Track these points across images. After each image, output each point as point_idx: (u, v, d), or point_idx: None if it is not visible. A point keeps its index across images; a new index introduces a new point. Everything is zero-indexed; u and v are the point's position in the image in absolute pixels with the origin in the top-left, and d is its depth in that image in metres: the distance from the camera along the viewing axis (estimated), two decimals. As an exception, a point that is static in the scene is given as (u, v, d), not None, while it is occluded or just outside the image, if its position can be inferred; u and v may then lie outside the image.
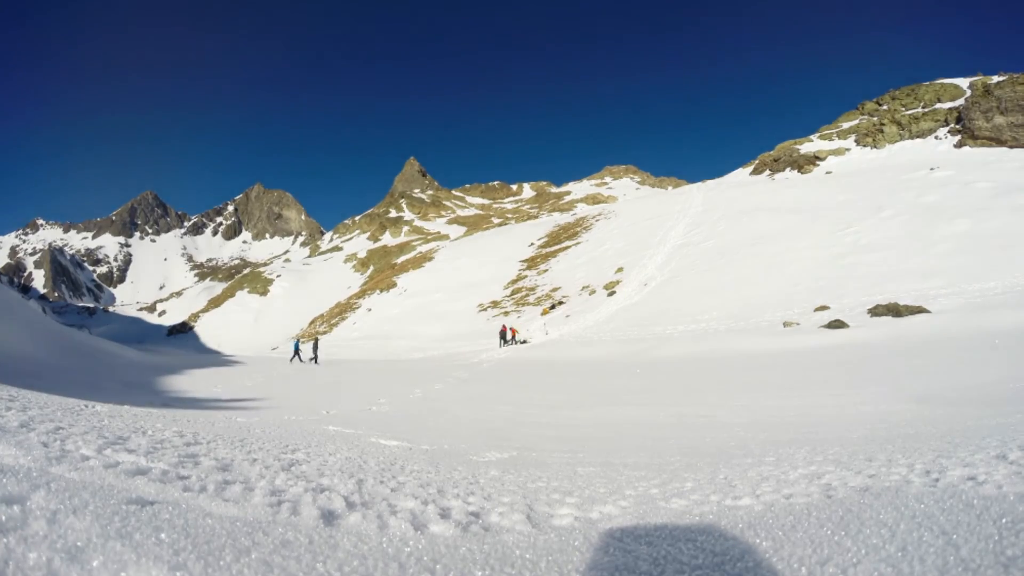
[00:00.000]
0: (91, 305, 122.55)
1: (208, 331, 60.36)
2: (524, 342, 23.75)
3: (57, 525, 1.39)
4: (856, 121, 58.33)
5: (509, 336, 23.93)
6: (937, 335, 11.36)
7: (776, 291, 20.08)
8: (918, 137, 49.16)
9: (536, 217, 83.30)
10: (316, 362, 23.24)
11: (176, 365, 18.61)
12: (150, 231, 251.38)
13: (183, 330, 63.57)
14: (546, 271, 37.77)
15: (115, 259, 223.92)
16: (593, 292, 29.43)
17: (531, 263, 41.45)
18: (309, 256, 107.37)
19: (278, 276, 73.84)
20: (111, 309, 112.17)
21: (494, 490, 2.66)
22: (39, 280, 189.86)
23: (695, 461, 3.51)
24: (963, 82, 52.97)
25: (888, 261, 19.93)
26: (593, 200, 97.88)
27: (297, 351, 24.39)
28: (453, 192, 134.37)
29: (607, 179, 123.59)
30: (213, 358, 27.96)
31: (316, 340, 25.75)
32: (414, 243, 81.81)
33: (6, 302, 13.74)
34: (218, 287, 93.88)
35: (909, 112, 52.71)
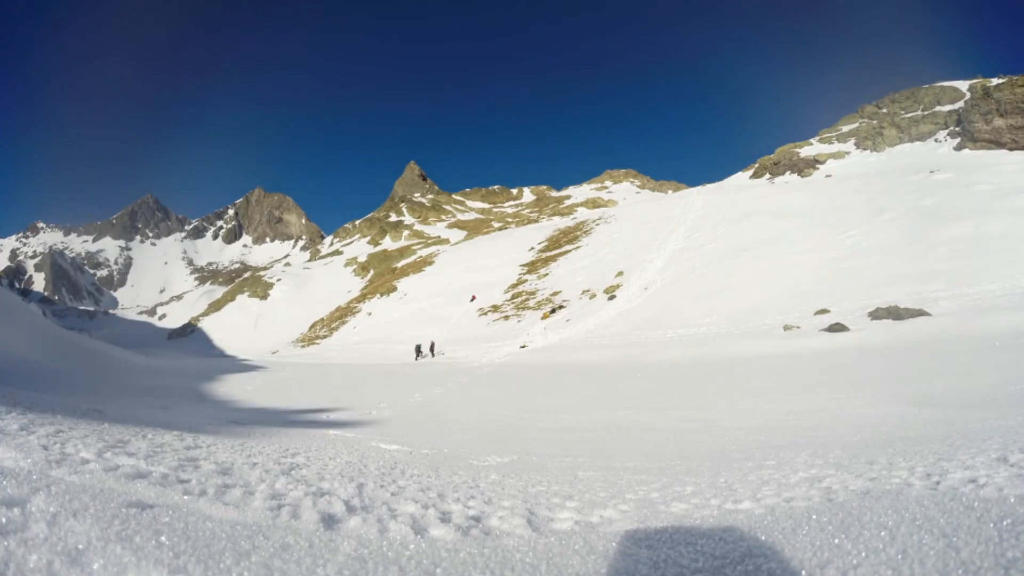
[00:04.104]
0: (91, 308, 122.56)
1: (208, 335, 60.36)
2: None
3: (57, 528, 1.40)
4: (856, 124, 58.50)
5: (426, 350, 24.53)
6: (937, 338, 11.35)
7: (776, 294, 20.07)
8: (918, 140, 49.28)
9: (536, 221, 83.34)
10: None
11: (176, 368, 18.59)
12: (150, 234, 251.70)
13: (183, 334, 63.58)
14: (546, 275, 37.77)
15: (115, 262, 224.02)
16: (593, 296, 29.42)
17: (531, 267, 41.45)
18: (309, 260, 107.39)
19: (278, 280, 73.84)
20: (111, 312, 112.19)
21: (494, 494, 2.66)
22: (39, 283, 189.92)
23: (695, 465, 3.50)
24: (962, 85, 53.14)
25: (888, 264, 19.93)
26: (593, 204, 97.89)
27: None
28: (453, 196, 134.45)
29: (607, 183, 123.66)
30: (213, 361, 27.93)
31: None
32: (414, 247, 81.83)
33: (6, 305, 13.75)
34: (218, 291, 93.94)
35: (908, 115, 52.84)
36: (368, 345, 35.13)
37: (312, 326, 52.32)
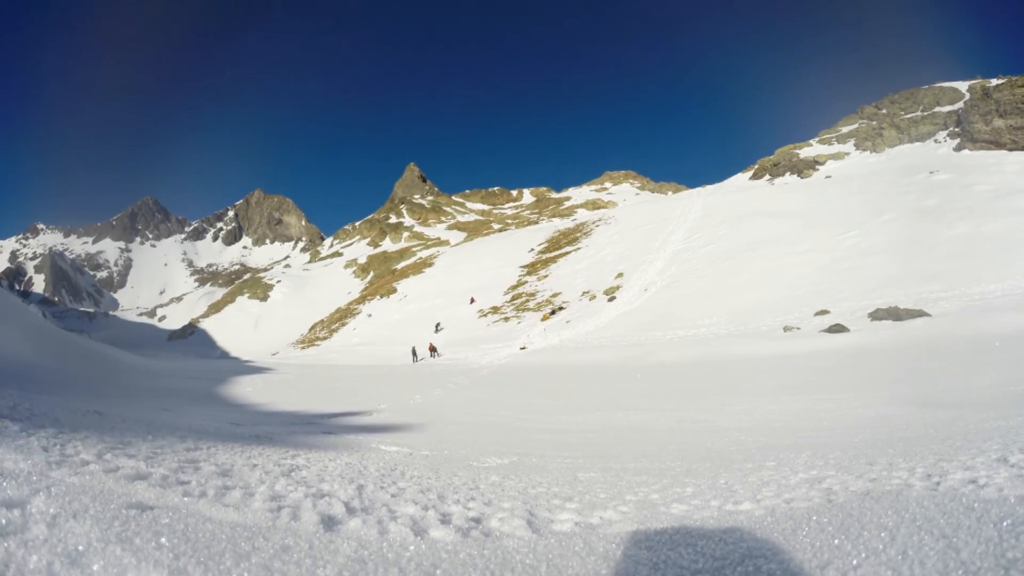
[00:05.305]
0: (91, 310, 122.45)
1: (208, 336, 60.37)
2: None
3: (57, 529, 1.40)
4: (855, 125, 58.54)
5: (424, 352, 24.81)
6: (937, 338, 11.35)
7: (776, 295, 20.07)
8: (917, 141, 49.30)
9: (536, 223, 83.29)
10: None
11: (176, 370, 18.58)
12: (150, 236, 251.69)
13: (183, 335, 63.57)
14: (546, 276, 37.77)
15: (115, 264, 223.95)
16: (593, 297, 29.42)
17: (531, 269, 41.45)
18: (309, 262, 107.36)
19: (278, 282, 73.86)
20: (111, 314, 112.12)
21: (494, 495, 2.65)
22: (39, 284, 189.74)
23: (695, 466, 3.50)
24: (962, 85, 53.16)
25: (888, 265, 19.92)
26: (593, 205, 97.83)
27: None
28: (453, 198, 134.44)
29: (607, 184, 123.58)
30: (213, 363, 27.92)
31: None
32: (414, 249, 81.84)
33: (6, 306, 13.75)
34: (218, 292, 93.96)
35: (908, 116, 52.89)
36: (368, 347, 35.12)
37: (312, 328, 52.31)
